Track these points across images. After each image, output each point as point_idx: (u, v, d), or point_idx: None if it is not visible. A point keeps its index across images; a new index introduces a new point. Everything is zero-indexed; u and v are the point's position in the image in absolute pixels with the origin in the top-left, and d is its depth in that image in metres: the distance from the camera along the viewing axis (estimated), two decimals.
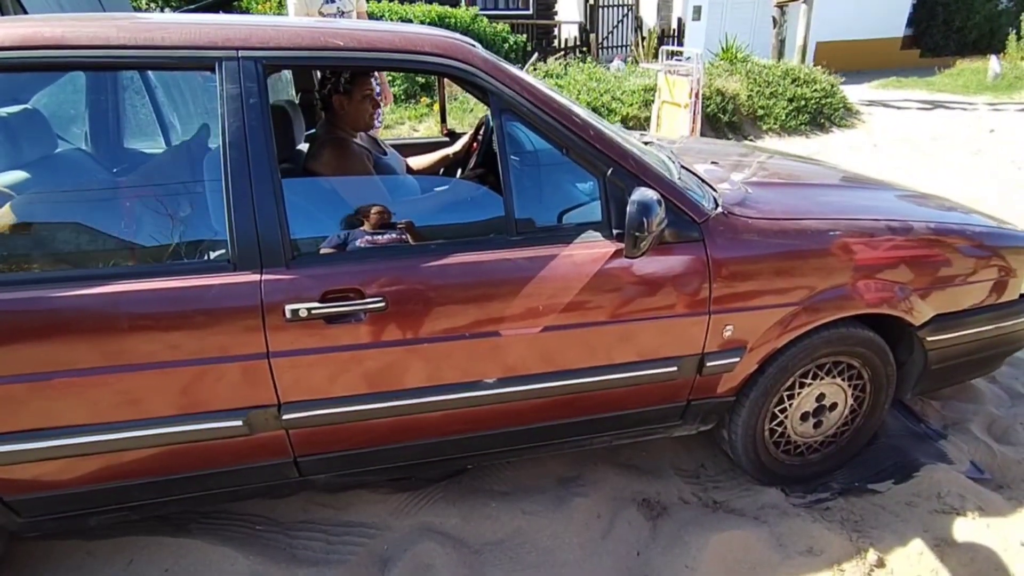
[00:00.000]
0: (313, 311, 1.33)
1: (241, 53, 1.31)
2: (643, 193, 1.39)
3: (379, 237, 1.53)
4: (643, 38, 11.43)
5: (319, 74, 2.07)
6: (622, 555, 1.71)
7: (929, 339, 1.83)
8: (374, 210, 1.56)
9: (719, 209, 1.64)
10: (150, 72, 1.87)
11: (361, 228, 1.55)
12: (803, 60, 9.63)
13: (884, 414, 1.97)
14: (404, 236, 1.56)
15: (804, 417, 1.89)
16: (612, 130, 1.61)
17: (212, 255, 1.40)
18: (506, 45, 9.53)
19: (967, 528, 1.75)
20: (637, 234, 1.38)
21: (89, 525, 1.50)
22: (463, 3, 11.21)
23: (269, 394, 1.39)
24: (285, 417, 1.42)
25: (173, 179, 1.65)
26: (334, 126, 1.94)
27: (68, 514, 1.46)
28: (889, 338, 1.83)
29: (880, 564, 1.67)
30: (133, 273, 1.31)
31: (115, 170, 1.85)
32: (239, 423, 1.38)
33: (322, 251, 1.50)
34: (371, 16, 7.10)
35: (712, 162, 2.18)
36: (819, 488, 1.96)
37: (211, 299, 1.30)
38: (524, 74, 1.54)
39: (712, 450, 1.99)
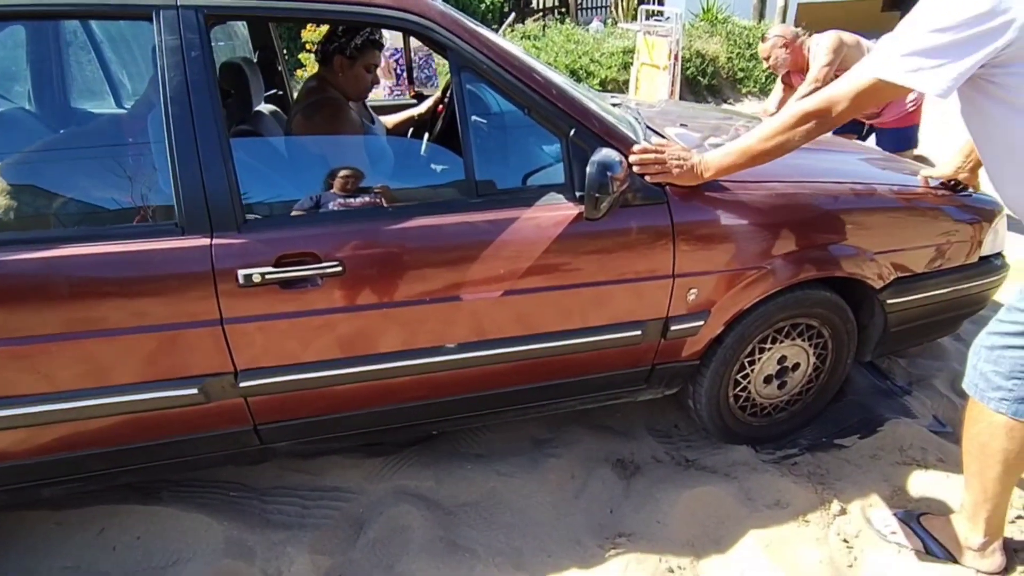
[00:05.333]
0: (267, 276, 1.30)
1: (180, 2, 1.24)
2: (605, 153, 1.36)
3: (352, 200, 1.48)
4: None
5: (328, 28, 1.96)
6: (595, 512, 1.73)
7: (889, 301, 1.83)
8: (342, 173, 1.51)
9: None
10: (93, 25, 1.77)
11: (332, 191, 1.49)
12: (783, 21, 9.50)
13: (848, 368, 1.99)
14: (379, 200, 1.51)
15: (768, 380, 1.90)
16: (576, 89, 1.57)
17: (159, 219, 1.35)
18: (482, 6, 9.29)
19: (926, 479, 1.80)
20: (598, 195, 1.35)
21: (42, 496, 1.47)
22: None
23: (224, 361, 1.35)
24: (242, 384, 1.39)
25: (118, 139, 1.58)
26: (329, 84, 1.85)
27: (19, 485, 1.43)
28: (850, 299, 1.84)
29: (843, 512, 1.71)
30: (76, 237, 1.26)
31: (61, 130, 1.76)
32: (195, 391, 1.35)
33: (293, 214, 1.46)
34: None
35: (681, 124, 2.14)
36: (788, 444, 2.00)
37: (158, 264, 1.26)
38: (485, 30, 1.49)
39: (685, 411, 2.01)
